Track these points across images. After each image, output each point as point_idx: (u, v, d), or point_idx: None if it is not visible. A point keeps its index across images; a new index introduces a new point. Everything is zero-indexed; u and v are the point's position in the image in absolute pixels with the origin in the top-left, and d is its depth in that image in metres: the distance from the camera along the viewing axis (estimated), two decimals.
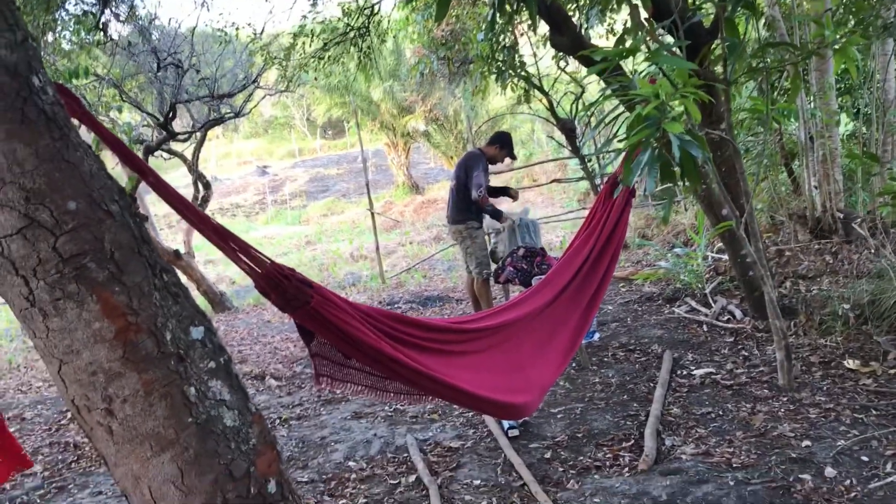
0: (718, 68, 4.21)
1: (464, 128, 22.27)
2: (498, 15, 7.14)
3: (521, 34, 8.41)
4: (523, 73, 8.19)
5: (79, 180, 1.41)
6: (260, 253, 2.19)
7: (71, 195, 1.39)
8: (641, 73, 4.04)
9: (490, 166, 6.06)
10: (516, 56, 7.82)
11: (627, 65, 6.29)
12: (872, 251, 5.87)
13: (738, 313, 5.61)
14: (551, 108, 10.39)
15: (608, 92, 3.91)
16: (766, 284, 4.21)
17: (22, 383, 7.04)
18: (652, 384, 4.53)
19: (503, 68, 7.76)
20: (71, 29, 7.62)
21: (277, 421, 4.94)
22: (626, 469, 3.48)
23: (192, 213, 2.08)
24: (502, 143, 6.09)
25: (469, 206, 5.94)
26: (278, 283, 2.22)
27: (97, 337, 1.38)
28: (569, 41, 4.88)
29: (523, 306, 3.32)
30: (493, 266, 6.11)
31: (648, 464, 3.45)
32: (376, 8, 8.70)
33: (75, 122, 1.71)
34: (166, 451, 1.42)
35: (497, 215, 5.86)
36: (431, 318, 2.76)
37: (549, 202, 17.32)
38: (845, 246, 6.19)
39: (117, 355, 1.40)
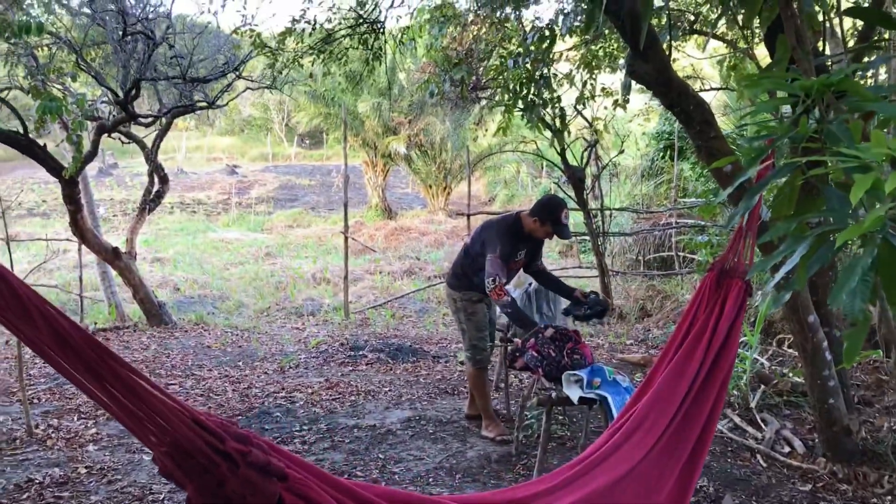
0: None
1: (448, 158, 21.08)
2: (550, 33, 5.97)
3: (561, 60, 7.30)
4: (558, 110, 7.07)
5: None
6: (174, 400, 0.95)
7: None
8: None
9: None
10: (551, 90, 6.67)
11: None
12: None
13: (798, 444, 4.45)
14: (562, 154, 9.21)
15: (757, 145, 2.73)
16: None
17: None
18: None
19: (536, 102, 6.59)
20: None
21: None
22: None
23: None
24: (545, 216, 4.33)
25: (474, 275, 4.53)
26: (206, 467, 0.97)
27: None
28: (654, 70, 3.73)
29: (607, 466, 2.09)
30: (498, 340, 4.86)
31: None
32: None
33: None
34: None
35: (523, 323, 4.25)
36: (466, 497, 1.57)
37: None
38: None
39: None
